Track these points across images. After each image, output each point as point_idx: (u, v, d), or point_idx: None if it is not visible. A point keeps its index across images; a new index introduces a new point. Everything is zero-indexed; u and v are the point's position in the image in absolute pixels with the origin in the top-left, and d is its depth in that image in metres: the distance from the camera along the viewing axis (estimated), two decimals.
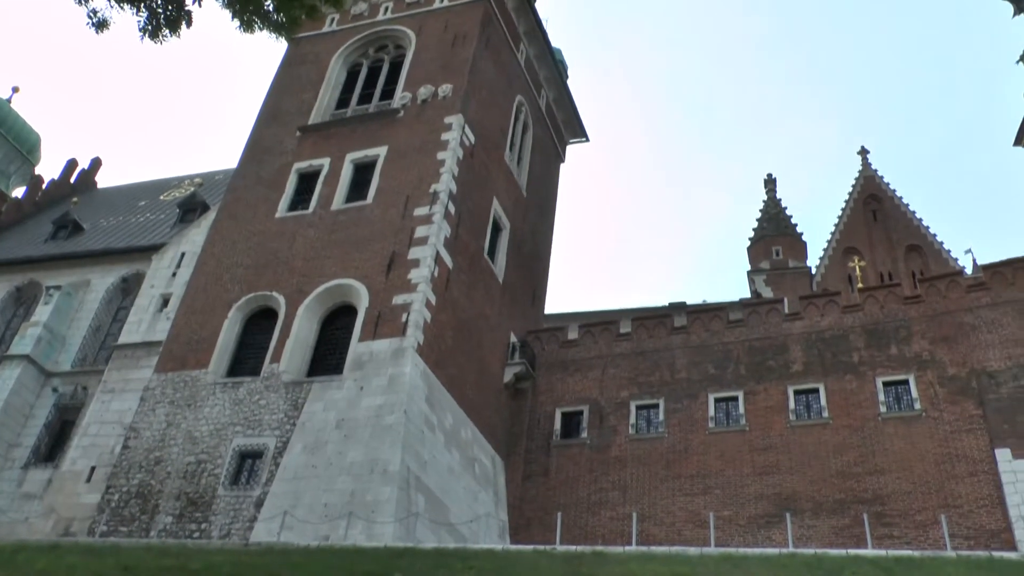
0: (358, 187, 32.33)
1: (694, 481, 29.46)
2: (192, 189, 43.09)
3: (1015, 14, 46.83)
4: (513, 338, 34.21)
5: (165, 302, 32.15)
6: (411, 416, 25.11)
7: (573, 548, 20.25)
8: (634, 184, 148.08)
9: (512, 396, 33.34)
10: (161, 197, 44.05)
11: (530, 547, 20.75)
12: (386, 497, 22.60)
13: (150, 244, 36.36)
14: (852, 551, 19.49)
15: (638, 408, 32.08)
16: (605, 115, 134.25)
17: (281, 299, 29.46)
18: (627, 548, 20.67)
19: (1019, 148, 47.31)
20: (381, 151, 32.88)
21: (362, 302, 28.37)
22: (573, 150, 54.62)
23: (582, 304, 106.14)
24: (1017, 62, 43.87)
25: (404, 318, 27.35)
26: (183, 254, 33.67)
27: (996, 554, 19.19)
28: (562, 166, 45.75)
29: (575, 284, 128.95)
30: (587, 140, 46.46)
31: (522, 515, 30.11)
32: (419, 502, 23.71)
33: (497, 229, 34.89)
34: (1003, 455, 26.48)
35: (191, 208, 39.41)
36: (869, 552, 19.41)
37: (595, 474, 30.56)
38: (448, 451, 26.90)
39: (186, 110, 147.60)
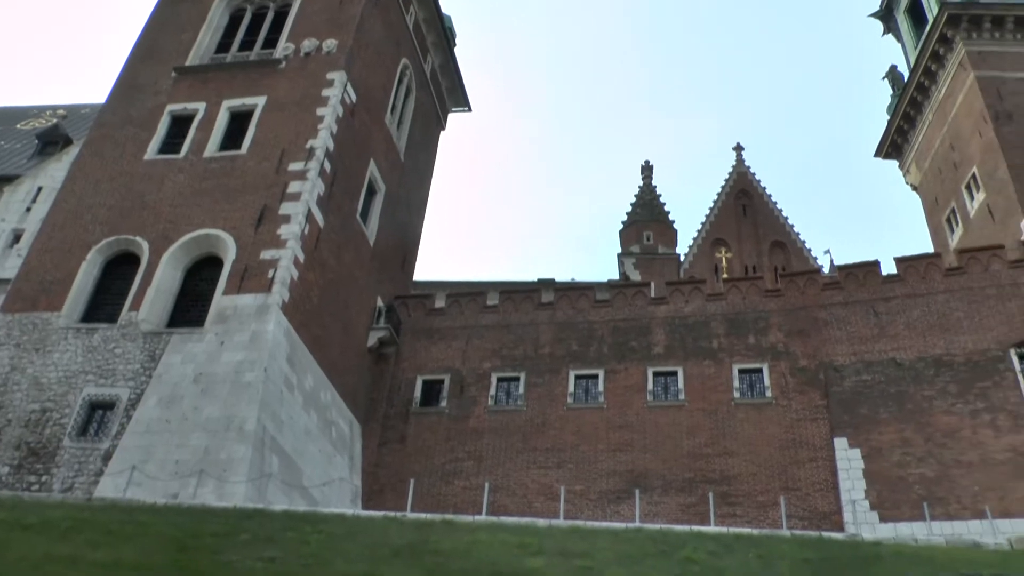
0: (233, 136, 31.34)
1: (549, 455, 30.10)
2: (54, 120, 40.99)
3: (884, 33, 49.17)
4: (380, 302, 34.05)
5: (17, 238, 30.67)
6: (271, 375, 24.76)
7: (423, 516, 20.28)
8: (513, 159, 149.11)
9: (375, 361, 33.24)
10: (18, 126, 41.70)
11: (380, 513, 20.72)
12: (240, 456, 22.22)
13: (3, 175, 34.47)
14: (696, 528, 20.18)
15: (499, 380, 32.49)
16: (489, 89, 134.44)
17: (145, 244, 28.35)
18: (477, 517, 20.88)
19: (880, 159, 50.19)
20: (259, 101, 31.96)
21: (229, 254, 27.62)
22: (455, 119, 54.52)
23: (451, 274, 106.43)
24: (882, 78, 46.03)
25: (271, 274, 26.83)
26: (40, 188, 32.15)
27: (825, 534, 20.35)
28: (442, 134, 45.60)
29: (446, 253, 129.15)
30: (469, 110, 46.33)
31: (376, 481, 30.16)
32: (273, 463, 23.45)
33: (372, 191, 34.51)
34: (841, 443, 28.33)
35: (52, 140, 37.56)
36: (711, 529, 20.17)
37: (452, 443, 30.86)
38: (306, 412, 26.64)
39: (52, 38, 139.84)
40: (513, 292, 35.66)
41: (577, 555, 15.92)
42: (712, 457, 29.07)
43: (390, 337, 33.36)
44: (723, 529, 20.24)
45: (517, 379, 32.39)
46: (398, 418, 32.00)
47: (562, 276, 48.27)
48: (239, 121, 31.75)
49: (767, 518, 26.86)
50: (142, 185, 30.19)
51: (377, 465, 30.73)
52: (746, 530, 20.78)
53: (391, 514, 20.38)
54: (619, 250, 54.22)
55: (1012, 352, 28.95)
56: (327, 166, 29.99)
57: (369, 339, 32.88)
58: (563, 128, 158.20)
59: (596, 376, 31.99)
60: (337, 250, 30.62)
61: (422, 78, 41.49)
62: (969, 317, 29.98)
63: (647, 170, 60.16)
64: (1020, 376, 28.44)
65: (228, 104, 32.15)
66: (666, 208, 56.70)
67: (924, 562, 17.48)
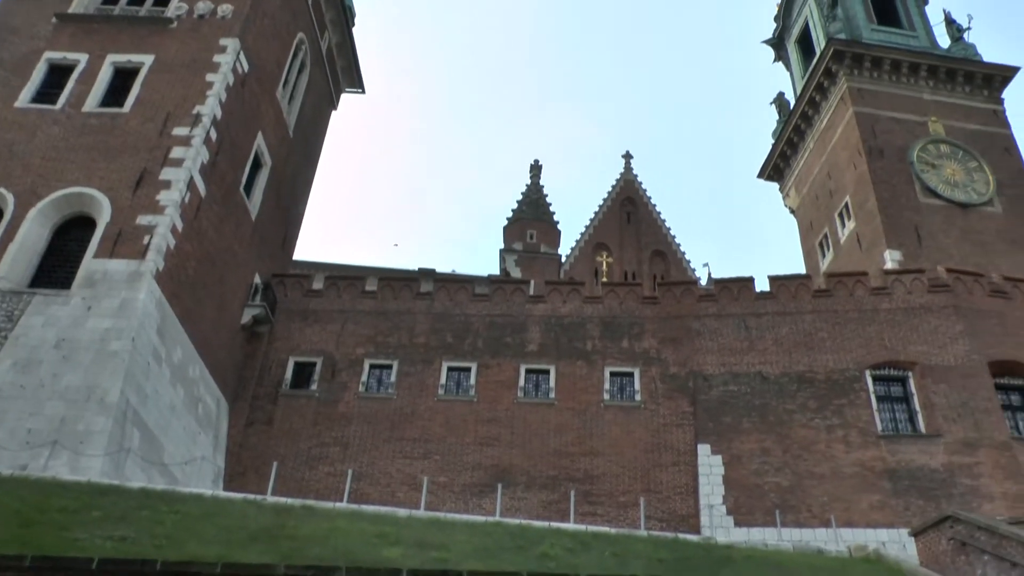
0: (116, 93, 29.93)
1: (416, 445, 29.97)
2: None
3: (775, 60, 51.16)
4: (257, 279, 33.23)
5: None
6: (139, 345, 23.83)
7: (284, 500, 19.94)
8: (404, 146, 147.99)
9: (248, 339, 32.39)
10: None
11: (241, 495, 20.22)
12: (99, 428, 21.24)
13: None
14: (555, 524, 20.39)
15: (372, 367, 32.14)
16: (384, 74, 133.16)
17: (10, 197, 26.67)
18: (337, 504, 20.64)
19: (762, 181, 52.21)
20: (147, 59, 30.65)
21: (103, 216, 26.33)
22: (347, 100, 53.86)
23: (331, 256, 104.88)
24: (770, 103, 47.76)
25: (146, 240, 25.74)
26: None
27: (681, 536, 20.92)
28: (334, 114, 44.95)
29: (328, 234, 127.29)
30: (363, 92, 45.71)
31: (240, 462, 29.37)
32: (134, 437, 22.54)
33: (257, 165, 33.58)
34: (704, 449, 29.11)
35: None
36: (570, 526, 20.38)
37: (319, 428, 30.36)
38: (172, 387, 25.74)
39: None
40: (392, 279, 35.43)
41: (434, 547, 15.96)
42: (577, 456, 29.47)
43: (265, 315, 32.62)
44: (582, 527, 20.51)
45: (390, 367, 32.11)
46: (267, 399, 31.25)
47: (443, 267, 48.28)
48: (123, 78, 30.40)
49: (627, 518, 27.29)
50: (11, 134, 28.53)
51: (242, 446, 29.92)
52: (604, 528, 21.15)
53: (251, 497, 19.94)
54: (502, 246, 54.50)
55: (867, 373, 30.46)
56: (213, 134, 29.07)
57: (243, 316, 32.01)
58: (455, 121, 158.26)
59: (469, 369, 32.01)
60: (218, 222, 29.74)
61: (317, 55, 40.68)
62: (832, 338, 31.32)
63: (536, 169, 60.61)
64: (872, 396, 30.00)
65: (113, 59, 30.77)
66: (552, 208, 57.32)
67: (772, 565, 18.31)
